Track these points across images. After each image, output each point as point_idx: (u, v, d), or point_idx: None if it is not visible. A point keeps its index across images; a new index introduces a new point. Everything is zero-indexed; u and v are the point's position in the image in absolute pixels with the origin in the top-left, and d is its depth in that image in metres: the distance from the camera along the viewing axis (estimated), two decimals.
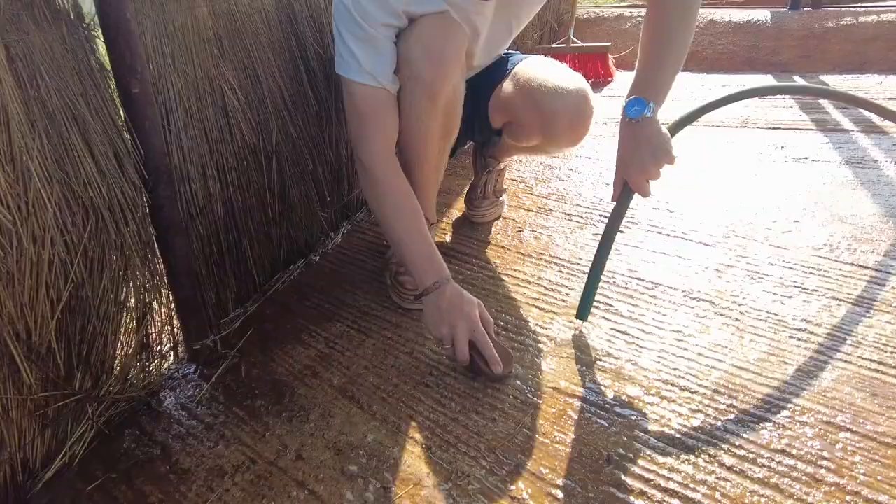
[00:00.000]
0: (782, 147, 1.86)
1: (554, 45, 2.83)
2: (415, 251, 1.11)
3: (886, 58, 2.73)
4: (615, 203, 1.11)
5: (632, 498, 0.82)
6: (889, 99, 2.20)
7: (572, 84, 1.21)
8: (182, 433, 1.05)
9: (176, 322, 1.22)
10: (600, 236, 1.12)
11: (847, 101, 1.42)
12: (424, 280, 1.08)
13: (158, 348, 1.20)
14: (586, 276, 1.14)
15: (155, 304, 1.15)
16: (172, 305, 1.20)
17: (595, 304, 1.23)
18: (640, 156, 1.04)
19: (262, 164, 1.35)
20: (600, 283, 1.15)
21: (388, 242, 1.27)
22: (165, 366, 1.22)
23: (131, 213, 1.05)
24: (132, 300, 1.11)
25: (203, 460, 0.98)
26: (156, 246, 1.13)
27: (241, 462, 0.97)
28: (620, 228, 1.14)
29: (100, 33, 1.01)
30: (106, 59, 1.02)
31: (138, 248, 1.07)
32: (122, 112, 1.04)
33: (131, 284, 1.09)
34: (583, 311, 1.15)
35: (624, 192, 1.09)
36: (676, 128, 1.15)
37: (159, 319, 1.17)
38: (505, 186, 1.67)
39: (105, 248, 1.02)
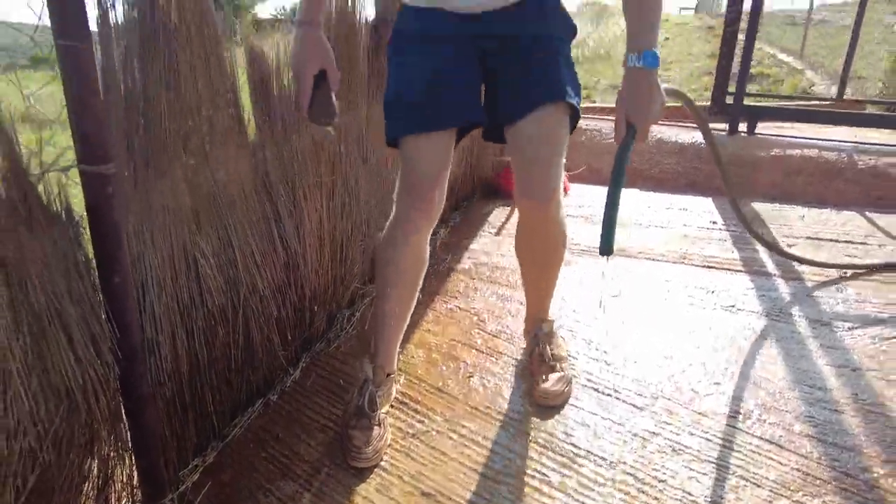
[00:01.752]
0: (713, 292, 2.05)
1: None
2: None
3: (807, 191, 3.02)
4: (620, 146, 1.21)
5: None
6: (810, 238, 2.44)
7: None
8: None
9: (136, 482, 1.27)
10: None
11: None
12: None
13: None
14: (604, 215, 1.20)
15: (118, 472, 1.20)
16: (134, 469, 1.25)
17: (529, 473, 1.33)
18: (654, 105, 1.19)
19: (229, 320, 1.44)
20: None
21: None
22: None
23: (101, 390, 1.11)
24: (95, 470, 1.16)
25: None
26: (124, 417, 1.19)
27: None
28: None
29: (87, 227, 1.09)
30: (90, 248, 1.10)
31: (106, 422, 1.14)
32: (101, 297, 1.12)
33: (96, 456, 1.15)
34: (606, 246, 1.19)
35: (628, 135, 1.21)
36: None
37: (120, 482, 1.23)
38: (565, 354, 1.65)
39: (74, 428, 1.08)
